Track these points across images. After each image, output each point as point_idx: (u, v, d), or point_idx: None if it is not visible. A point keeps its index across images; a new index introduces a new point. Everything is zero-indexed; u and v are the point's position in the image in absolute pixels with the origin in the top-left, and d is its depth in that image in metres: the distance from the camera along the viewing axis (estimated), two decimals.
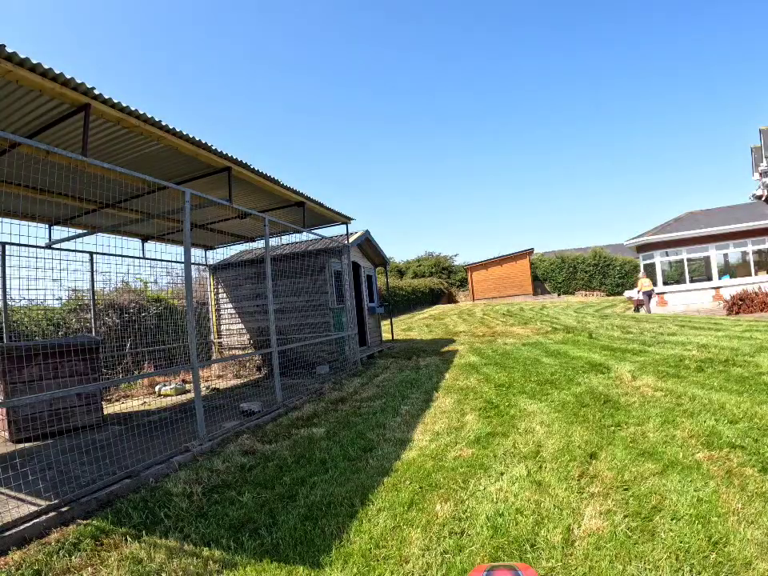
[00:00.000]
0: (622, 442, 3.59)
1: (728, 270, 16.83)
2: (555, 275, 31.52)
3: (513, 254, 30.57)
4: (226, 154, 5.23)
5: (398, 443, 4.02)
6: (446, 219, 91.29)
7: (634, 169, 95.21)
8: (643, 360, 7.07)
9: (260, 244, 9.76)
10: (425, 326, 17.72)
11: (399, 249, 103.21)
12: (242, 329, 9.99)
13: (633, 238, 18.09)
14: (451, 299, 33.15)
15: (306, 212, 7.80)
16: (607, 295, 29.29)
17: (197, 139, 4.75)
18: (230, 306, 10.14)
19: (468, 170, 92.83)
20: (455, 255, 37.48)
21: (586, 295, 29.69)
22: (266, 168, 5.94)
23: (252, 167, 5.74)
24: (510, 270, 30.34)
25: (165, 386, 7.57)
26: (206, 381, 8.57)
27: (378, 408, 5.35)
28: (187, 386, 7.68)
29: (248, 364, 9.27)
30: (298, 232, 7.77)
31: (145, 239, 8.12)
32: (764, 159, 18.24)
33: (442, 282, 33.53)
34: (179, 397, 7.07)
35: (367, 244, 11.94)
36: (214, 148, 5.01)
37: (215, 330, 10.19)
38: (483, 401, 5.33)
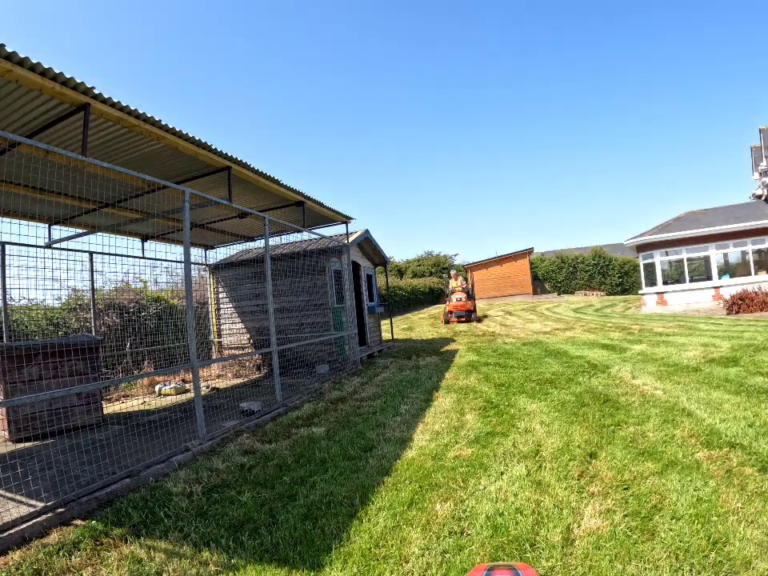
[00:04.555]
0: (621, 442, 3.60)
1: (728, 270, 16.83)
2: (555, 275, 31.54)
3: (513, 253, 30.54)
4: (226, 153, 5.22)
5: (397, 443, 4.02)
6: (445, 219, 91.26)
7: (634, 168, 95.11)
8: (643, 359, 7.08)
9: (260, 243, 9.77)
10: (425, 325, 17.71)
11: (399, 248, 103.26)
12: (242, 328, 9.99)
13: (632, 238, 18.09)
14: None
15: (306, 211, 7.80)
16: (607, 294, 29.32)
17: (197, 138, 4.75)
18: (230, 305, 10.14)
19: (468, 169, 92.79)
20: (455, 255, 37.56)
21: (586, 295, 29.70)
22: (264, 167, 5.94)
23: (252, 167, 5.73)
24: (510, 270, 30.32)
25: (165, 385, 7.57)
26: (206, 380, 8.57)
27: (378, 407, 5.35)
28: (187, 386, 7.68)
29: (248, 363, 9.27)
30: (298, 231, 7.76)
31: (144, 239, 8.11)
32: (764, 159, 18.23)
33: (441, 282, 33.51)
34: (179, 396, 7.07)
35: (367, 243, 11.94)
36: (214, 147, 5.01)
37: (215, 329, 10.19)
38: (483, 400, 5.33)
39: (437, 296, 31.86)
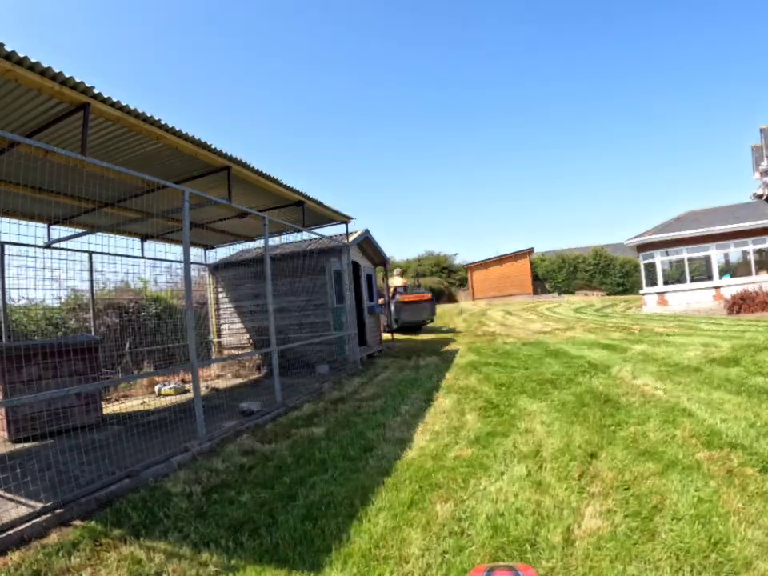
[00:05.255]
0: (622, 442, 3.59)
1: (729, 270, 16.81)
2: (555, 275, 31.51)
3: (513, 253, 30.55)
4: (226, 153, 5.22)
5: (397, 443, 4.01)
6: (445, 219, 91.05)
7: (634, 168, 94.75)
8: (644, 359, 7.07)
9: (260, 243, 9.76)
10: None
11: (399, 248, 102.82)
12: (242, 328, 9.98)
13: (633, 238, 18.07)
14: (451, 299, 33.13)
15: (306, 211, 7.79)
16: (608, 294, 29.29)
17: (196, 138, 4.74)
18: (229, 305, 10.13)
19: (468, 169, 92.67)
20: (455, 254, 37.40)
21: (586, 294, 29.68)
22: (264, 167, 5.94)
23: (252, 166, 5.73)
24: (510, 270, 30.33)
25: (164, 385, 7.57)
26: (206, 380, 8.56)
27: (378, 407, 5.34)
28: (187, 386, 7.67)
29: (248, 363, 9.26)
30: (298, 231, 7.76)
31: (144, 238, 8.11)
32: (765, 158, 18.21)
33: (442, 282, 33.50)
34: (179, 396, 7.06)
35: (367, 243, 11.93)
36: (213, 147, 5.00)
37: (215, 329, 10.19)
38: (483, 400, 5.32)
39: (437, 295, 31.85)
